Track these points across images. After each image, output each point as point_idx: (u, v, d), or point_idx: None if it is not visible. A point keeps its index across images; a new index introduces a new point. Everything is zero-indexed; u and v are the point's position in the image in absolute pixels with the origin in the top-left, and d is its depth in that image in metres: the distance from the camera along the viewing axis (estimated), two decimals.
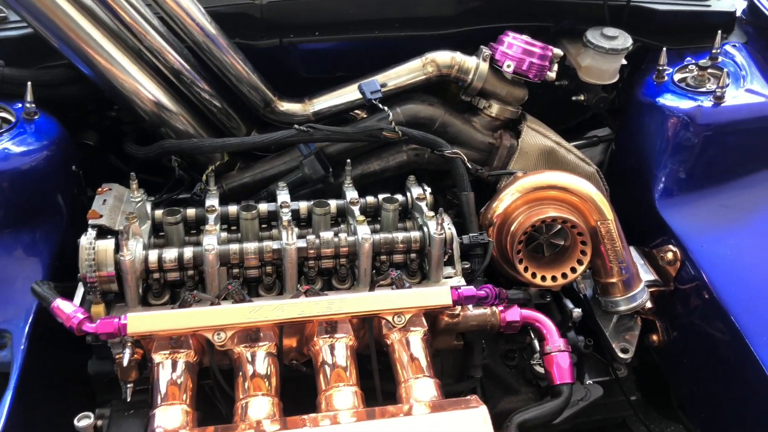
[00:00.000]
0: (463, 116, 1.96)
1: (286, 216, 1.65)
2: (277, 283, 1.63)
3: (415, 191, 1.76)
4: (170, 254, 1.55)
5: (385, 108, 1.79)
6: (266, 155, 1.97)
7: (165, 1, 1.71)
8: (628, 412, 2.01)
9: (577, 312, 1.76)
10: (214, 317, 1.41)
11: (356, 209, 1.69)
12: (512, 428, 1.46)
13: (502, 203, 1.73)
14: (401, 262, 1.66)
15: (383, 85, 1.86)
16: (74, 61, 1.71)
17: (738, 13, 2.20)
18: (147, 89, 1.76)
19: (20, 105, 1.77)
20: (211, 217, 1.65)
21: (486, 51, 1.89)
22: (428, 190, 1.77)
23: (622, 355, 1.80)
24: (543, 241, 1.69)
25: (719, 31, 1.99)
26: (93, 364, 1.57)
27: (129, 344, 1.42)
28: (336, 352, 1.46)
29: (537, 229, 1.67)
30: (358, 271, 1.61)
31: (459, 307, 1.57)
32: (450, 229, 1.64)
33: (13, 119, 1.75)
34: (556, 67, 1.91)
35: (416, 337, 1.49)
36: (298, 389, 1.53)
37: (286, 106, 1.92)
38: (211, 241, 1.53)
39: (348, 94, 1.91)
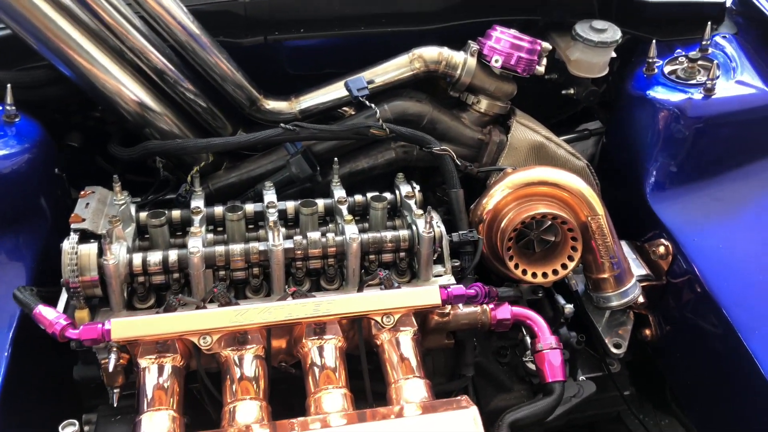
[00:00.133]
0: (451, 112, 1.94)
1: (272, 216, 1.63)
2: (264, 284, 1.61)
3: (404, 189, 1.73)
4: (155, 258, 1.52)
5: (372, 105, 1.76)
6: (253, 154, 1.95)
7: (146, 1, 1.69)
8: (622, 406, 2.00)
9: (569, 308, 1.75)
10: (200, 321, 1.39)
11: (344, 208, 1.67)
12: (504, 428, 1.45)
13: (491, 200, 1.71)
14: (390, 262, 1.64)
15: (370, 82, 1.83)
16: (54, 62, 1.68)
17: (728, 4, 2.18)
18: (129, 89, 1.73)
19: (0, 108, 1.74)
20: (197, 218, 1.63)
21: (474, 46, 1.86)
22: (417, 187, 1.74)
23: (614, 351, 1.79)
24: (533, 238, 1.67)
25: (709, 23, 1.97)
26: (78, 370, 1.54)
27: (114, 349, 1.39)
28: (325, 353, 1.44)
29: (527, 225, 1.65)
30: (347, 271, 1.59)
31: (449, 306, 1.55)
32: (439, 227, 1.62)
33: None
34: (545, 61, 1.89)
35: (406, 337, 1.48)
36: (288, 390, 1.51)
37: (272, 105, 1.89)
38: (196, 243, 1.51)
39: (335, 91, 1.89)
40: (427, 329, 1.59)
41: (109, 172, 1.96)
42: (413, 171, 1.98)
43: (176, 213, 1.69)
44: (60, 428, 1.34)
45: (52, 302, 1.53)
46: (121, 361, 1.42)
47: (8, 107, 1.72)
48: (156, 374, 1.40)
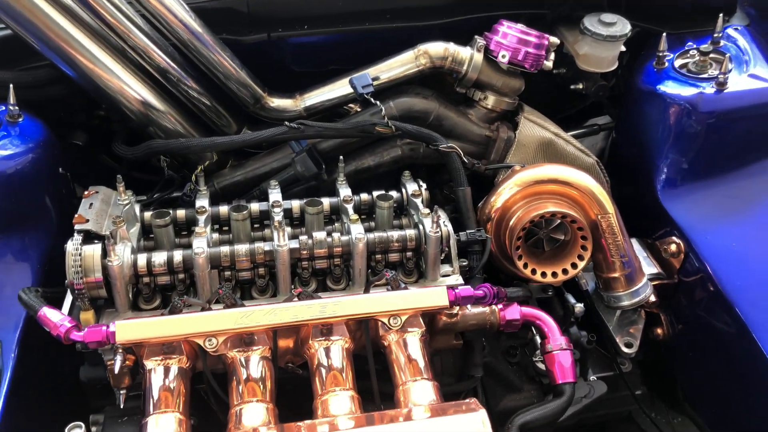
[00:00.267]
0: (458, 109, 1.91)
1: (277, 216, 1.61)
2: (270, 284, 1.59)
3: (410, 187, 1.71)
4: (159, 258, 1.51)
5: (378, 102, 1.74)
6: (259, 152, 1.93)
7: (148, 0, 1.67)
8: (633, 406, 1.98)
9: (579, 307, 1.72)
10: (205, 323, 1.37)
11: (350, 207, 1.65)
12: (514, 430, 1.43)
13: (499, 198, 1.69)
14: (397, 261, 1.62)
15: (375, 79, 1.81)
16: (56, 62, 1.66)
17: None
18: (133, 88, 1.72)
19: (3, 108, 1.73)
20: (201, 218, 1.62)
21: (480, 41, 1.83)
22: (423, 186, 1.72)
23: (626, 350, 1.77)
24: (543, 237, 1.65)
25: (721, 14, 1.92)
26: (85, 371, 1.54)
27: (120, 351, 1.38)
28: (332, 354, 1.42)
29: (536, 224, 1.63)
30: (353, 271, 1.57)
31: (457, 307, 1.53)
32: (446, 226, 1.59)
33: None
34: (553, 56, 1.85)
35: (414, 338, 1.46)
36: (295, 391, 1.50)
37: (277, 102, 1.87)
38: (201, 244, 1.49)
39: (340, 88, 1.86)
40: (435, 330, 1.57)
41: (115, 170, 1.96)
42: (420, 168, 1.96)
43: (181, 213, 1.68)
44: (66, 430, 1.35)
45: (58, 303, 1.53)
46: (127, 362, 1.41)
47: (11, 107, 1.71)
48: (162, 376, 1.38)
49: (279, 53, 1.94)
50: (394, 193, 1.72)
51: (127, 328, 1.35)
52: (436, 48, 1.83)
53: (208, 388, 1.43)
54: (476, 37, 1.85)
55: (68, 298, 1.55)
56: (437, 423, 1.27)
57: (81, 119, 2.02)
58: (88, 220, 1.52)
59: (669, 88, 1.87)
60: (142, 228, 1.66)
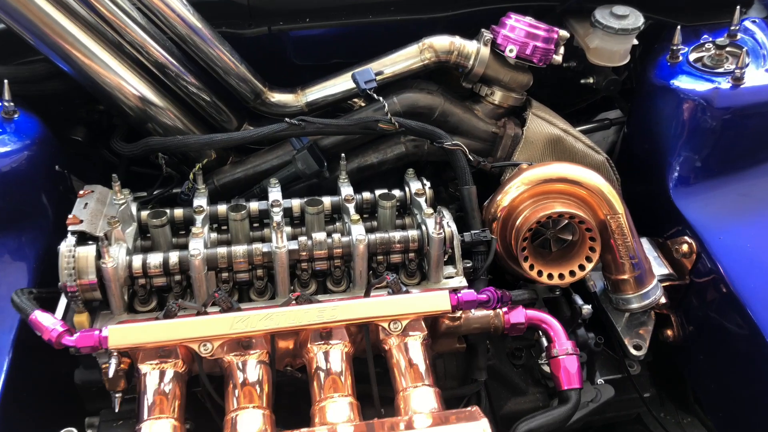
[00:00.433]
0: (464, 104, 1.86)
1: (276, 216, 1.57)
2: (269, 286, 1.56)
3: (414, 186, 1.67)
4: (155, 260, 1.48)
5: (381, 98, 1.69)
6: (260, 148, 1.89)
7: None
8: (642, 408, 1.93)
9: (586, 308, 1.67)
10: (200, 328, 1.34)
11: (351, 207, 1.61)
12: None
13: (506, 197, 1.64)
14: (399, 263, 1.57)
15: (379, 73, 1.75)
16: (52, 57, 1.63)
17: None
18: (130, 84, 1.68)
19: None
20: (199, 218, 1.58)
21: (487, 35, 1.77)
22: (427, 184, 1.68)
23: (635, 352, 1.73)
24: (550, 237, 1.60)
25: (738, 6, 1.85)
26: (80, 374, 1.51)
27: (115, 354, 1.35)
28: (331, 359, 1.39)
29: (543, 224, 1.58)
30: (354, 273, 1.53)
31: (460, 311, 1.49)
32: (450, 227, 1.55)
33: None
34: (562, 50, 1.79)
35: (415, 343, 1.42)
36: (296, 394, 1.47)
37: (278, 97, 1.83)
38: (197, 245, 1.46)
39: (343, 82, 1.82)
40: (437, 333, 1.53)
41: (116, 165, 1.93)
42: (425, 165, 1.91)
43: (179, 212, 1.64)
44: None
45: (54, 303, 1.51)
46: (122, 365, 1.39)
47: (6, 103, 1.67)
48: (157, 380, 1.36)
49: (280, 47, 1.89)
50: (396, 192, 1.68)
51: (120, 333, 1.32)
52: (442, 42, 1.78)
53: (205, 394, 1.41)
54: (483, 30, 1.79)
55: (63, 300, 1.52)
56: None
57: (81, 114, 1.99)
58: (82, 221, 1.49)
59: (683, 82, 1.80)
60: (138, 228, 1.63)
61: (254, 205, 1.65)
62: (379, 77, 1.74)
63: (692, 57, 1.85)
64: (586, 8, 1.89)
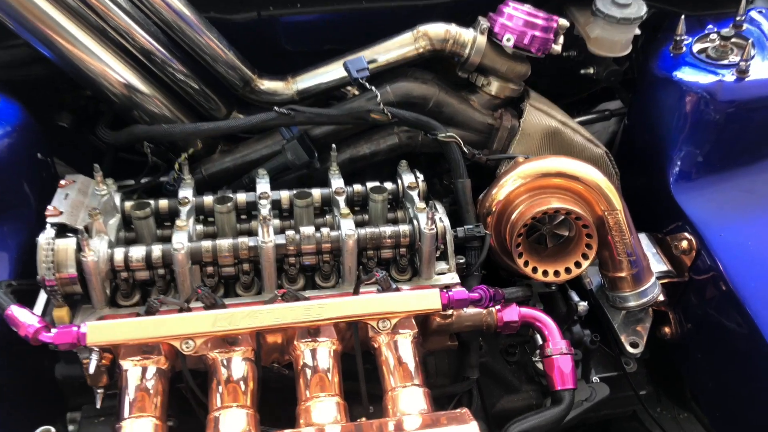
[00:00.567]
0: (460, 95, 1.80)
1: (264, 209, 1.53)
2: (256, 280, 1.51)
3: (407, 179, 1.62)
4: (137, 253, 1.43)
5: (373, 88, 1.63)
6: (250, 136, 1.84)
7: None
8: (638, 405, 1.90)
9: (582, 305, 1.64)
10: (181, 326, 1.30)
11: (341, 200, 1.56)
12: None
13: (502, 190, 1.59)
14: (390, 258, 1.53)
15: (372, 61, 1.70)
16: (33, 42, 1.57)
17: None
18: (115, 71, 1.63)
19: None
20: (184, 210, 1.53)
21: (484, 23, 1.71)
22: (420, 177, 1.63)
23: (631, 350, 1.70)
24: (546, 232, 1.56)
25: None
26: (61, 368, 1.47)
27: (96, 350, 1.32)
28: (318, 357, 1.36)
29: (539, 219, 1.53)
30: (343, 268, 1.48)
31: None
32: (442, 222, 1.51)
33: None
34: (561, 39, 1.73)
35: (405, 341, 1.39)
36: (283, 389, 1.43)
37: (267, 85, 1.77)
38: (181, 239, 1.41)
39: (335, 70, 1.76)
40: (428, 331, 1.49)
41: (105, 152, 1.88)
42: (419, 156, 1.86)
43: (163, 203, 1.60)
44: None
45: (35, 296, 1.47)
46: (103, 361, 1.36)
47: None
48: (139, 377, 1.33)
49: (270, 32, 1.83)
50: (389, 185, 1.63)
51: (99, 330, 1.28)
52: (437, 29, 1.72)
53: (188, 390, 1.37)
54: (480, 18, 1.73)
55: (44, 293, 1.48)
56: None
57: (67, 100, 1.94)
58: (61, 212, 1.44)
59: (686, 74, 1.75)
60: (122, 219, 1.58)
61: (241, 197, 1.60)
62: (371, 65, 1.68)
63: (696, 48, 1.79)
64: None
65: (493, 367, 1.69)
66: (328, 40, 1.85)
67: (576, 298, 1.66)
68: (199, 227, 1.57)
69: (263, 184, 1.61)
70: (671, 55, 1.81)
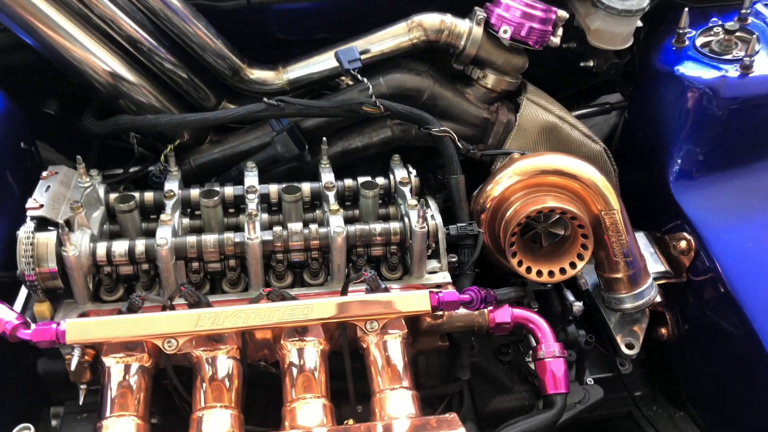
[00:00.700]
0: (455, 87, 1.75)
1: (251, 204, 1.49)
2: (242, 276, 1.48)
3: (399, 174, 1.58)
4: (120, 248, 1.39)
5: (365, 80, 1.58)
6: (241, 127, 1.79)
7: None
8: (633, 406, 1.87)
9: (578, 306, 1.60)
10: (163, 324, 1.26)
11: (331, 195, 1.52)
12: None
13: (497, 187, 1.55)
14: (380, 256, 1.49)
15: (365, 52, 1.65)
16: (13, 28, 1.53)
17: None
18: (100, 59, 1.59)
19: None
20: (169, 203, 1.49)
21: (480, 14, 1.66)
22: (413, 172, 1.59)
23: (627, 351, 1.66)
24: (541, 231, 1.52)
25: None
26: (43, 363, 1.44)
27: (77, 346, 1.29)
28: (305, 357, 1.33)
29: (534, 218, 1.49)
30: (332, 266, 1.44)
31: None
32: (434, 219, 1.47)
33: None
34: (560, 31, 1.68)
35: (394, 341, 1.36)
36: (273, 385, 1.40)
37: (257, 74, 1.72)
38: (165, 234, 1.38)
39: (328, 60, 1.71)
40: (418, 331, 1.46)
41: (93, 139, 1.83)
42: (413, 150, 1.82)
43: (149, 195, 1.56)
44: None
45: (17, 288, 1.44)
46: (86, 357, 1.33)
47: None
48: (122, 375, 1.30)
49: (260, 20, 1.78)
50: (380, 180, 1.59)
51: (79, 328, 1.25)
52: (432, 20, 1.67)
53: (172, 389, 1.35)
54: (476, 8, 1.68)
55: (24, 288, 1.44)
56: None
57: (54, 87, 1.89)
58: (42, 206, 1.40)
59: (688, 69, 1.70)
60: (107, 211, 1.54)
61: (229, 191, 1.56)
62: (364, 56, 1.64)
63: (699, 42, 1.74)
64: None
65: (486, 366, 1.66)
66: (321, 29, 1.80)
67: (571, 297, 1.62)
68: (186, 221, 1.53)
69: (251, 178, 1.57)
70: (673, 48, 1.76)
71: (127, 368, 1.30)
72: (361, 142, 1.75)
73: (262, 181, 1.58)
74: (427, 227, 1.41)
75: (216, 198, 1.48)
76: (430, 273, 1.48)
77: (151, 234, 1.44)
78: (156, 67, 1.66)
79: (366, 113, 1.60)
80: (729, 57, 1.68)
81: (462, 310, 1.44)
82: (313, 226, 1.44)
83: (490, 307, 1.44)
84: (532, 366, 1.62)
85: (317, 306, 1.27)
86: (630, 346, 1.66)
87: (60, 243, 1.34)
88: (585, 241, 1.47)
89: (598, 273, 1.62)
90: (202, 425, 1.24)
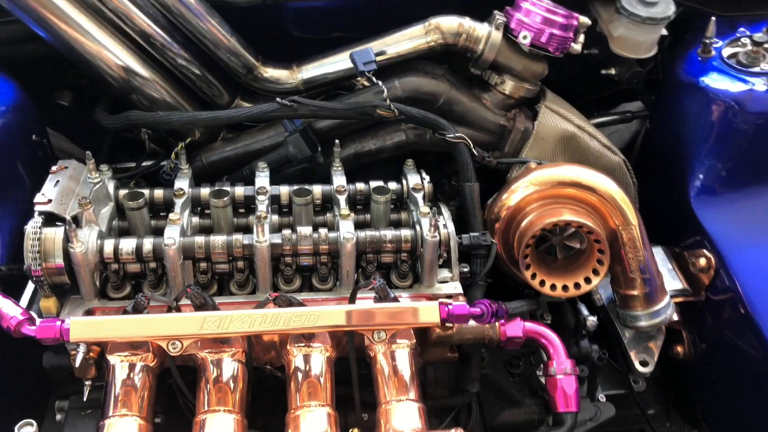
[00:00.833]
0: (472, 92, 1.71)
1: (261, 205, 1.46)
2: (250, 278, 1.45)
3: (412, 179, 1.54)
4: (127, 246, 1.38)
5: (380, 82, 1.55)
6: (255, 125, 1.77)
7: None
8: (646, 424, 1.82)
9: (591, 320, 1.56)
10: (168, 326, 1.25)
11: (342, 199, 1.49)
12: None
13: (512, 196, 1.52)
14: (391, 263, 1.46)
15: (380, 53, 1.62)
16: (26, 21, 1.51)
17: None
18: (113, 52, 1.57)
19: None
20: (179, 202, 1.47)
21: (500, 18, 1.62)
22: (426, 178, 1.55)
23: (641, 369, 1.62)
24: (556, 243, 1.48)
25: None
26: (48, 358, 1.42)
27: (83, 343, 1.27)
28: (311, 363, 1.30)
29: (550, 230, 1.45)
30: (341, 271, 1.41)
31: None
32: (446, 228, 1.43)
33: None
34: (582, 37, 1.63)
35: (402, 352, 1.33)
36: (279, 387, 1.37)
37: (271, 73, 1.70)
38: (173, 233, 1.35)
39: (344, 60, 1.68)
40: (428, 341, 1.42)
41: (105, 132, 1.82)
42: (427, 154, 1.78)
43: (158, 193, 1.54)
44: (16, 429, 1.24)
45: (25, 281, 1.43)
46: (91, 354, 1.32)
47: None
48: (126, 373, 1.29)
49: (276, 18, 1.76)
50: (393, 185, 1.56)
51: (83, 326, 1.24)
52: (450, 23, 1.63)
53: (176, 390, 1.33)
54: (496, 12, 1.64)
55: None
56: None
57: (68, 78, 1.88)
58: (50, 201, 1.38)
59: (714, 81, 1.65)
60: (116, 207, 1.52)
61: (239, 191, 1.54)
62: (380, 58, 1.60)
63: (726, 52, 1.69)
64: None
65: (495, 378, 1.62)
66: (337, 28, 1.77)
67: (585, 312, 1.58)
68: (195, 220, 1.52)
69: (262, 178, 1.54)
70: (699, 58, 1.71)
71: (131, 367, 1.29)
72: (375, 145, 1.72)
73: (274, 180, 1.56)
74: (438, 236, 1.38)
75: (226, 198, 1.46)
76: (441, 282, 1.45)
77: (160, 232, 1.42)
78: (169, 63, 1.64)
79: (380, 116, 1.57)
80: (757, 69, 1.64)
81: (472, 323, 1.41)
82: (323, 231, 1.41)
83: (502, 320, 1.41)
84: (543, 380, 1.59)
85: (324, 313, 1.25)
86: (644, 364, 1.62)
87: (67, 239, 1.33)
88: (601, 257, 1.43)
89: (613, 288, 1.58)
90: (205, 429, 1.22)
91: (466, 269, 1.48)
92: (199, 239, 1.39)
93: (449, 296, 1.42)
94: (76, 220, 1.39)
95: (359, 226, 1.48)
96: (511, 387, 1.64)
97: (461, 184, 1.57)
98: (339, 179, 1.54)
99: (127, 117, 1.61)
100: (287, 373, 1.32)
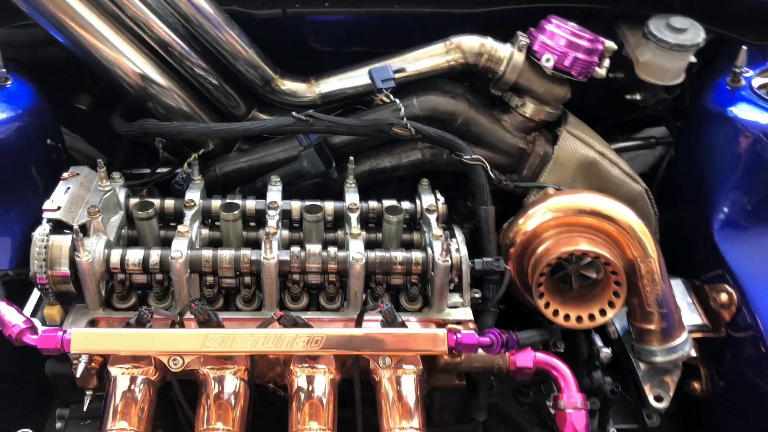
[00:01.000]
0: (491, 113, 1.68)
1: (272, 220, 1.44)
2: (257, 294, 1.43)
3: (426, 200, 1.51)
4: (134, 257, 1.36)
5: (398, 101, 1.52)
6: (272, 137, 1.75)
7: None
8: None
9: (605, 352, 1.51)
10: (170, 342, 1.23)
11: (354, 217, 1.47)
12: None
13: (529, 221, 1.47)
14: (401, 285, 1.43)
15: (399, 71, 1.59)
16: (45, 26, 1.51)
17: None
18: (130, 60, 1.56)
19: None
20: (189, 213, 1.45)
21: (523, 39, 1.59)
22: (441, 200, 1.52)
23: (655, 404, 1.56)
24: (572, 272, 1.43)
25: None
26: (51, 365, 1.42)
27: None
28: (314, 385, 1.28)
29: (566, 258, 1.41)
30: (349, 292, 1.38)
31: None
32: (459, 252, 1.40)
33: None
34: (607, 62, 1.59)
35: (408, 378, 1.30)
36: (282, 403, 1.35)
37: (289, 85, 1.68)
38: (180, 246, 1.34)
39: (362, 75, 1.65)
40: (435, 368, 1.39)
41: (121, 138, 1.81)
42: (443, 173, 1.75)
43: (169, 203, 1.53)
44: None
45: (32, 286, 1.40)
46: (93, 364, 1.31)
47: None
48: (126, 386, 1.28)
49: (295, 30, 1.74)
50: (406, 204, 1.53)
51: (84, 338, 1.23)
52: (471, 42, 1.60)
53: (177, 406, 1.32)
54: (519, 33, 1.61)
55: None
56: None
57: (87, 82, 1.88)
58: (58, 208, 1.37)
59: (743, 111, 1.60)
60: (126, 216, 1.51)
61: (251, 204, 1.52)
62: (399, 75, 1.58)
63: (756, 83, 1.64)
64: (640, 14, 1.68)
65: (504, 407, 1.59)
66: (357, 42, 1.76)
67: (599, 342, 1.53)
68: (205, 231, 1.50)
69: (274, 193, 1.52)
70: (728, 87, 1.66)
71: (132, 380, 1.27)
72: (390, 163, 1.69)
73: (287, 194, 1.54)
74: (450, 260, 1.35)
75: (236, 212, 1.44)
76: (452, 307, 1.42)
77: (169, 242, 1.40)
78: (186, 72, 1.64)
79: (396, 135, 1.54)
80: None
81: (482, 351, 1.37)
82: (332, 249, 1.39)
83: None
84: (552, 411, 1.55)
85: (329, 338, 1.22)
86: (659, 399, 1.56)
87: (74, 247, 1.32)
88: (617, 289, 1.38)
89: (629, 321, 1.53)
90: None
91: (477, 295, 1.45)
92: (207, 253, 1.37)
93: (459, 322, 1.39)
94: (85, 229, 1.38)
95: (370, 245, 1.46)
96: (520, 416, 1.60)
97: (477, 207, 1.53)
98: (352, 196, 1.52)
99: (141, 125, 1.61)
100: (289, 393, 1.30)
